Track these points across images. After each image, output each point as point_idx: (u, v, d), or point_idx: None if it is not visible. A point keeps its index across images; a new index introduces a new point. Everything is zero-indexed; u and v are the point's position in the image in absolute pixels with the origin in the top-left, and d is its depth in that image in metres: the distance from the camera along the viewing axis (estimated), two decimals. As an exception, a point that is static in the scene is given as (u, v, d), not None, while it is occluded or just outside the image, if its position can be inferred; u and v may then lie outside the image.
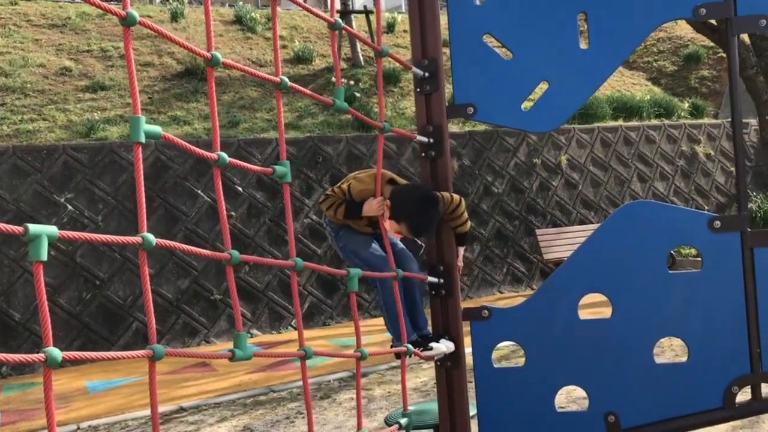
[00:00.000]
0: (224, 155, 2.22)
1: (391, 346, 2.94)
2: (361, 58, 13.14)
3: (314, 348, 2.29)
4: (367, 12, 13.21)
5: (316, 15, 2.82)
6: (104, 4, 1.97)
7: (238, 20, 13.67)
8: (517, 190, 11.48)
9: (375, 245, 3.10)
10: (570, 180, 12.00)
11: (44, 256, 1.61)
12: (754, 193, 13.08)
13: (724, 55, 15.31)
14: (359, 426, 2.67)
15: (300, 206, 9.78)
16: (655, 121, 13.44)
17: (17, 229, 1.58)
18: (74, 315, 8.20)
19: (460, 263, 3.12)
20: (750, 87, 10.58)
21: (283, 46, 13.21)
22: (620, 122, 13.05)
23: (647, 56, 16.81)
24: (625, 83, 15.45)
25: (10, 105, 9.79)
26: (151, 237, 1.88)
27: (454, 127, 10.99)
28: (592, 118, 12.75)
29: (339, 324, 9.36)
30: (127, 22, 1.90)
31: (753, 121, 13.70)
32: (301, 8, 2.51)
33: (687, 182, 13.03)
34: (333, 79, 11.92)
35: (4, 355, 1.56)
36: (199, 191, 9.26)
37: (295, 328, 9.22)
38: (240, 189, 9.49)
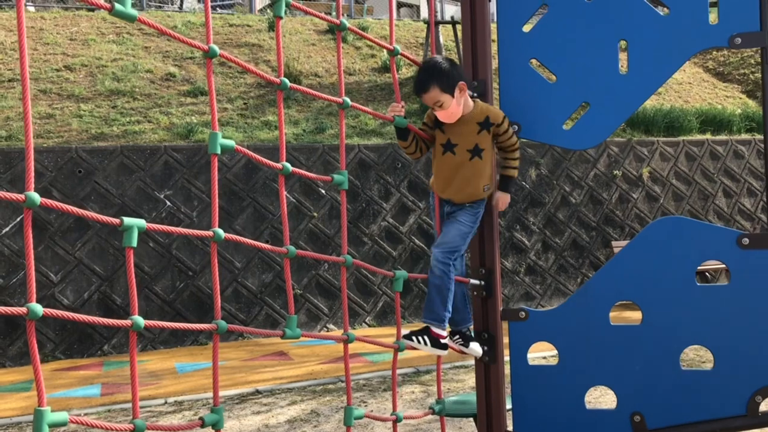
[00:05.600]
0: (288, 165, 2.65)
1: (450, 333, 3.26)
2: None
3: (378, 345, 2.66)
4: (454, 23, 13.52)
5: (379, 45, 3.19)
6: (191, 41, 2.44)
7: (331, 30, 14.28)
8: (596, 201, 11.49)
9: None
10: (651, 193, 11.89)
11: (134, 243, 2.10)
12: None
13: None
14: (394, 408, 3.05)
15: (378, 210, 10.20)
16: (745, 136, 13.07)
17: (114, 220, 2.07)
18: (168, 302, 8.94)
19: (503, 207, 3.26)
20: None
21: (372, 56, 13.72)
22: (707, 136, 12.78)
23: (743, 68, 16.23)
24: (718, 96, 15.05)
25: (120, 108, 10.71)
26: (220, 231, 2.33)
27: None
28: (677, 131, 12.55)
29: (410, 324, 9.71)
30: (209, 54, 2.36)
31: None
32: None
33: (778, 199, 12.60)
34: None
35: (100, 318, 2.02)
36: (285, 192, 9.85)
37: (369, 325, 9.64)
38: (323, 192, 10.01)
